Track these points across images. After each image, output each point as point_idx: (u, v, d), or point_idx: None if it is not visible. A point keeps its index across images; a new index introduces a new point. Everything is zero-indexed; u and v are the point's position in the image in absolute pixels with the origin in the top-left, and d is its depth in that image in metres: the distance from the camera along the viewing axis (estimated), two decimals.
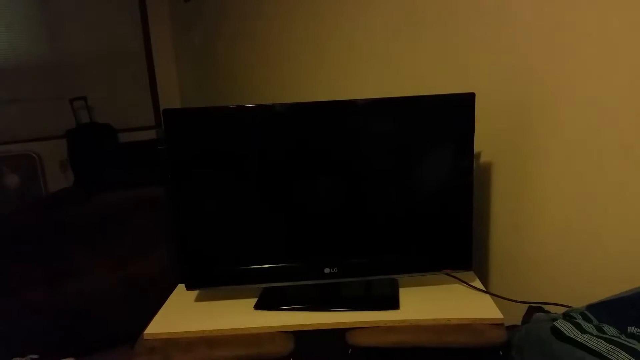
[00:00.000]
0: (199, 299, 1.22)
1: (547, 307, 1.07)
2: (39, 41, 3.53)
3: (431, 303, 1.13)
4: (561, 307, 1.02)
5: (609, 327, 0.84)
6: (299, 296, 1.18)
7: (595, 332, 0.82)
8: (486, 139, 1.27)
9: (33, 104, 3.56)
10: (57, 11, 3.54)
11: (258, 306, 1.16)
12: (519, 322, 1.06)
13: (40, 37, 3.53)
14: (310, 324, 1.08)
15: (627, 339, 0.79)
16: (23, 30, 3.47)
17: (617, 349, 0.76)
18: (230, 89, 2.97)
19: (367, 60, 1.70)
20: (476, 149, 1.29)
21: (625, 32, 0.91)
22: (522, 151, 1.17)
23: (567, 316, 0.89)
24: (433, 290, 1.19)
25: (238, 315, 1.13)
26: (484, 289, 1.18)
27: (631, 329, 0.82)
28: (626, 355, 0.74)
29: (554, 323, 0.87)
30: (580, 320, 0.86)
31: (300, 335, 1.07)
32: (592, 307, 0.89)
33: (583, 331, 0.83)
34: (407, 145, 1.10)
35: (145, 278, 2.00)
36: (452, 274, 1.23)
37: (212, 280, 1.16)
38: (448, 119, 1.09)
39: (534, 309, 1.05)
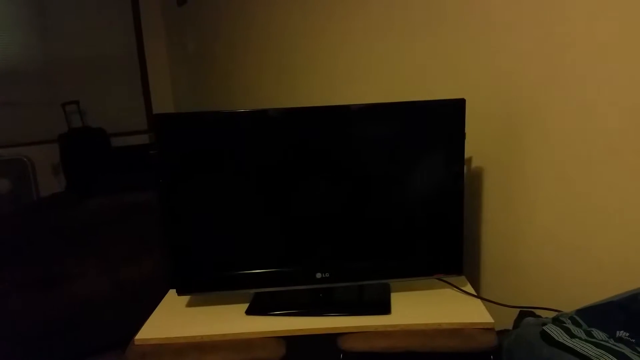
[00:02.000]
0: (190, 304, 1.22)
1: (538, 312, 1.07)
2: (31, 45, 3.52)
3: (422, 308, 1.13)
4: (552, 312, 1.02)
5: (598, 331, 0.84)
6: (290, 301, 1.18)
7: (584, 336, 0.83)
8: (476, 145, 1.27)
9: (25, 108, 3.55)
10: (50, 15, 3.54)
11: (249, 311, 1.16)
12: (509, 327, 1.07)
13: (33, 41, 3.52)
14: (301, 329, 1.08)
15: (615, 344, 0.79)
16: (16, 34, 3.46)
17: (606, 354, 0.76)
18: (224, 93, 2.98)
19: (360, 66, 1.71)
20: (466, 154, 1.30)
21: (614, 37, 0.92)
22: (512, 156, 1.18)
23: (557, 320, 0.89)
24: (424, 295, 1.19)
25: (229, 320, 1.13)
26: (475, 293, 1.18)
27: (620, 334, 0.82)
28: (614, 359, 0.75)
29: (543, 327, 0.87)
30: (569, 325, 0.86)
31: (292, 340, 1.07)
32: (581, 312, 0.89)
33: (572, 335, 0.83)
34: (398, 150, 1.11)
35: (137, 283, 1.99)
36: (444, 279, 1.24)
37: (203, 286, 1.16)
38: (439, 124, 1.10)
39: (525, 313, 1.06)
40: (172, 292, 1.29)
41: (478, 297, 1.17)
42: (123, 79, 3.85)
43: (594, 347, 0.78)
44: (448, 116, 1.09)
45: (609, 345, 0.78)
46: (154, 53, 3.91)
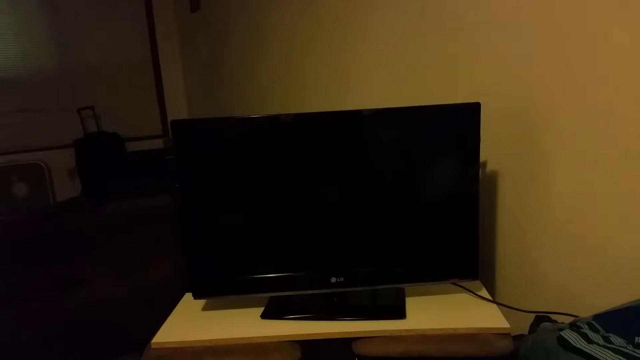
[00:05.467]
0: (206, 308, 1.23)
1: (554, 317, 1.06)
2: (47, 51, 3.57)
3: (438, 312, 1.13)
4: (568, 317, 1.01)
5: (616, 337, 0.83)
6: (305, 305, 1.18)
7: (602, 342, 0.82)
8: (492, 148, 1.27)
9: (41, 114, 3.60)
10: (65, 21, 3.59)
11: (265, 315, 1.16)
12: (525, 332, 1.06)
13: (49, 47, 3.57)
14: (316, 334, 1.08)
15: (634, 350, 0.79)
16: (32, 40, 3.51)
17: None
18: (237, 98, 2.99)
19: (372, 70, 1.71)
20: (482, 158, 1.30)
21: (632, 39, 0.92)
22: (528, 160, 1.17)
23: (574, 326, 0.89)
24: (439, 300, 1.19)
25: (245, 324, 1.13)
26: (490, 298, 1.18)
27: (638, 339, 0.82)
28: None
29: (561, 333, 0.86)
30: (587, 330, 0.86)
31: (307, 345, 1.08)
32: (599, 317, 0.89)
33: (590, 341, 0.82)
34: (413, 155, 1.11)
35: (153, 287, 2.01)
36: (459, 284, 1.23)
37: (219, 290, 1.17)
38: (454, 128, 1.10)
39: (541, 318, 1.05)
40: (188, 296, 1.30)
41: (494, 301, 1.16)
42: (138, 84, 3.89)
43: (613, 354, 0.77)
44: (463, 120, 1.09)
45: (628, 351, 0.78)
46: (168, 58, 3.95)
